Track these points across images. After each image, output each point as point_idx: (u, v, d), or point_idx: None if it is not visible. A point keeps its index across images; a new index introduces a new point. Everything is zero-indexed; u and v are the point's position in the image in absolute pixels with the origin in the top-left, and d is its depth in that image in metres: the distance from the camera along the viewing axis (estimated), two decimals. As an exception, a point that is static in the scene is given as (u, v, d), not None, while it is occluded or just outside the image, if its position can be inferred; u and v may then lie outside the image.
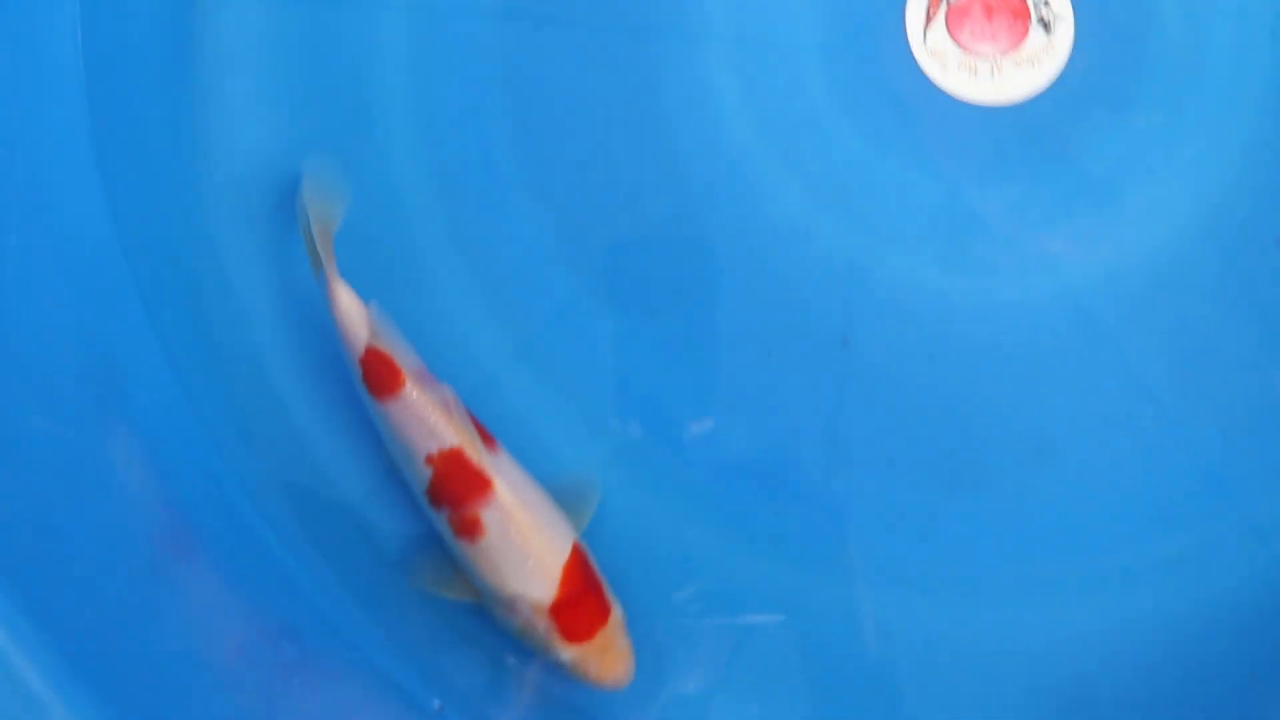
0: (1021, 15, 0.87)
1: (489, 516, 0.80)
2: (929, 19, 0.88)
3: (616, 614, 0.81)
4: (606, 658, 0.80)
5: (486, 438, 0.82)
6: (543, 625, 0.80)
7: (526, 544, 0.79)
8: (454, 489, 0.80)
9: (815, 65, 0.89)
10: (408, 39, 0.90)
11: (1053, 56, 0.87)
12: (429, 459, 0.80)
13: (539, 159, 0.89)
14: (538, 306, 0.89)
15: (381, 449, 0.84)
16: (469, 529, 0.80)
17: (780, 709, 0.85)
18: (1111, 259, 0.87)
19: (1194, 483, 0.85)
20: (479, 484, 0.80)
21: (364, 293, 0.83)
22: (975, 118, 0.88)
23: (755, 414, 0.87)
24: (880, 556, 0.86)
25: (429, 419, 0.80)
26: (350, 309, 0.82)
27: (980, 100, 0.88)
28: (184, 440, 0.86)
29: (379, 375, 0.81)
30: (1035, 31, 0.87)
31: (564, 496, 0.84)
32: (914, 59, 0.88)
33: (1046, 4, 0.87)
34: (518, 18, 0.89)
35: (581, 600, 0.80)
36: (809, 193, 0.88)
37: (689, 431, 0.87)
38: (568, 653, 0.80)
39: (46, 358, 0.80)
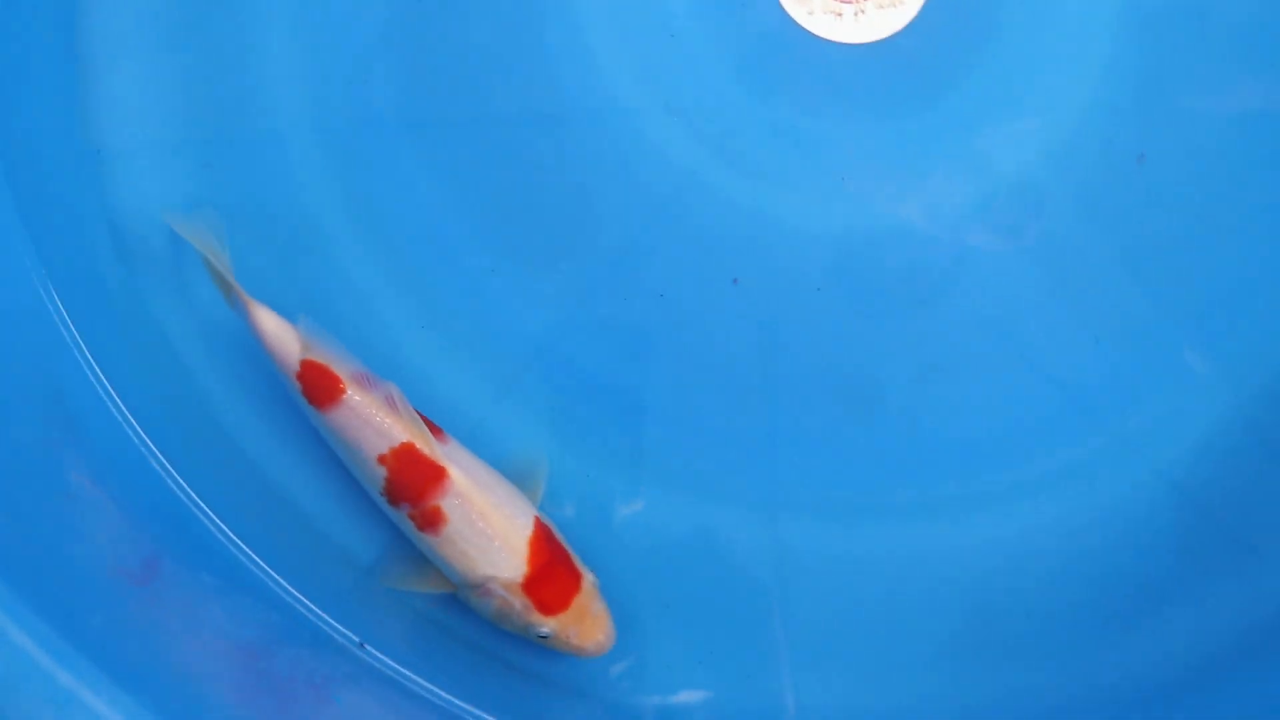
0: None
1: (449, 505, 0.80)
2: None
3: (588, 580, 0.81)
4: (585, 624, 0.80)
5: (434, 429, 0.82)
6: (519, 603, 0.80)
7: (490, 526, 0.80)
8: (410, 484, 0.80)
9: (689, 16, 0.91)
10: (288, 4, 0.91)
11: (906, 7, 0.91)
12: (381, 459, 0.80)
13: (426, 120, 0.91)
14: (436, 268, 0.90)
15: (334, 457, 0.85)
16: (431, 520, 0.80)
17: (693, 632, 0.87)
18: (981, 185, 0.90)
19: (1071, 398, 0.88)
20: (434, 475, 0.80)
21: (268, 269, 0.86)
22: (843, 57, 0.91)
23: (652, 355, 0.89)
24: (780, 482, 0.88)
25: (375, 420, 0.80)
26: (275, 329, 0.82)
27: (847, 40, 0.91)
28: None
29: (318, 386, 0.81)
30: None
31: (515, 474, 0.84)
32: (782, 8, 0.91)
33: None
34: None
35: (552, 572, 0.80)
36: (691, 138, 0.90)
37: (593, 379, 0.89)
38: (547, 625, 0.80)
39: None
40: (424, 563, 0.83)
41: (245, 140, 0.90)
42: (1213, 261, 0.89)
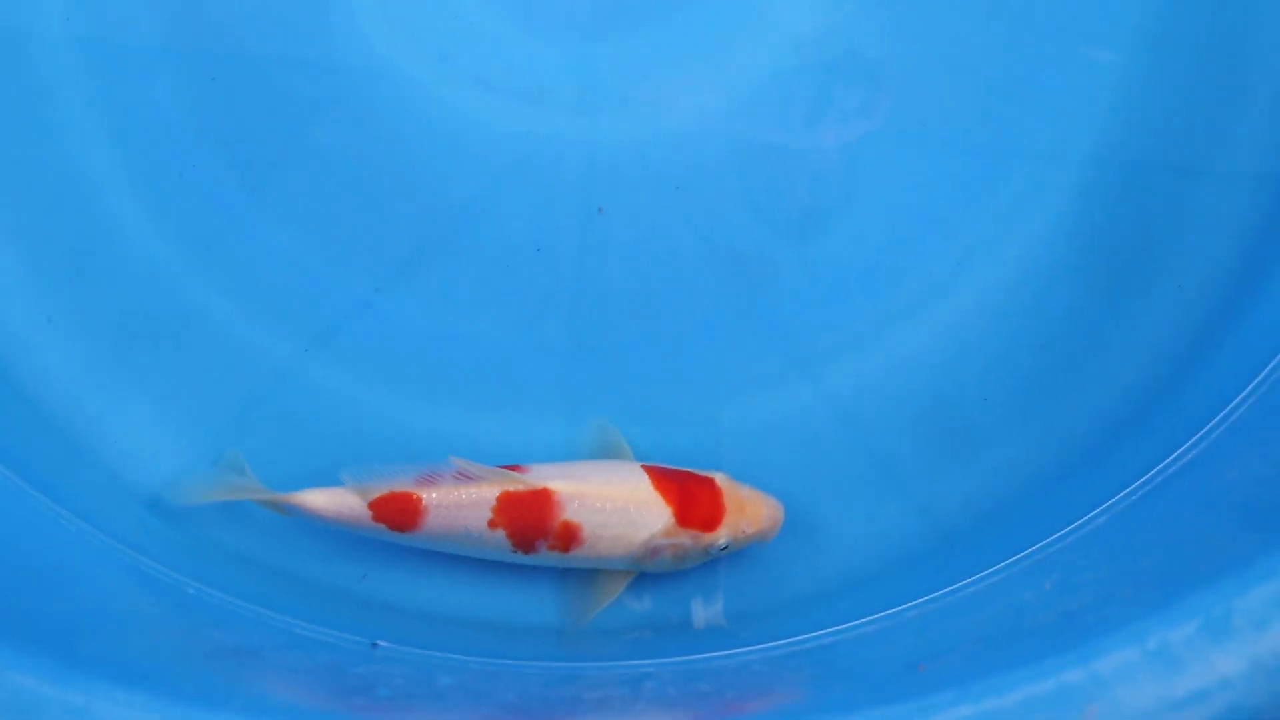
0: None
1: (574, 512, 0.80)
2: None
3: (720, 479, 0.82)
4: (748, 512, 0.81)
5: (509, 469, 0.81)
6: (686, 539, 0.80)
7: (615, 500, 0.80)
8: (531, 523, 0.80)
9: None
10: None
11: None
12: (491, 524, 0.80)
13: (209, 102, 0.93)
14: (240, 248, 0.91)
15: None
16: (571, 536, 0.80)
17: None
18: (736, 82, 0.94)
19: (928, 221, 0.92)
20: (542, 500, 0.80)
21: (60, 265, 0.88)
22: None
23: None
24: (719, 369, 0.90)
25: (464, 499, 0.80)
26: (333, 502, 0.81)
27: None
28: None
29: (398, 515, 0.80)
30: None
31: (596, 450, 0.86)
32: None
33: None
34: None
35: (690, 496, 0.80)
36: (463, 80, 0.94)
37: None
38: (721, 538, 0.80)
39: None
40: (594, 579, 0.83)
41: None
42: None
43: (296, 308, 0.91)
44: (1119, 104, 0.92)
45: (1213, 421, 0.80)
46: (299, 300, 0.91)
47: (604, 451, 0.86)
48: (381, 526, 0.81)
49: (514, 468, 0.81)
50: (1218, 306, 0.88)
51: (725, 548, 0.81)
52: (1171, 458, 0.80)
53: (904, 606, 0.80)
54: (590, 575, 0.83)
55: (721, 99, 0.93)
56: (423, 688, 0.71)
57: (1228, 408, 0.80)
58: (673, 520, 0.80)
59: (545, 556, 0.81)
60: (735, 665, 0.79)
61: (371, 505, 0.80)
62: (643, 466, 0.82)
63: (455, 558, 0.84)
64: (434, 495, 0.80)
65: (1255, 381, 0.81)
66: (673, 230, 0.92)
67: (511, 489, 0.80)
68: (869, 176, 0.92)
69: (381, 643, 0.79)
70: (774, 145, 0.93)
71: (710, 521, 0.80)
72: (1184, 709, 0.53)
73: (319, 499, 0.81)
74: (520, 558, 0.81)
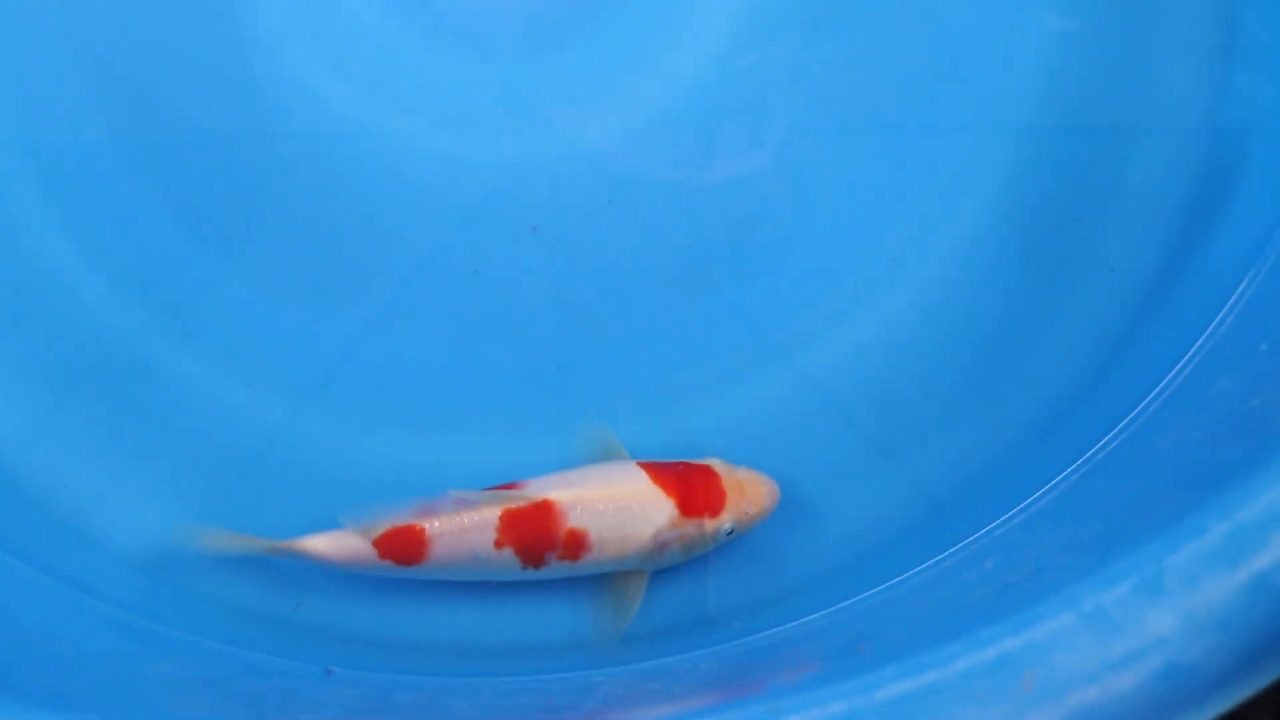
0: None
1: (577, 519, 0.79)
2: None
3: (716, 464, 0.82)
4: (748, 494, 0.81)
5: (505, 487, 0.81)
6: (691, 529, 0.80)
7: (617, 500, 0.79)
8: (536, 536, 0.79)
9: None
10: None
11: None
12: (498, 544, 0.79)
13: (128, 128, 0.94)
14: (155, 265, 0.92)
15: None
16: (579, 543, 0.80)
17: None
18: (662, 94, 0.95)
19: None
20: (544, 511, 0.79)
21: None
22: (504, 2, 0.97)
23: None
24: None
25: (465, 524, 0.79)
26: (336, 545, 0.81)
27: None
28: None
29: (402, 549, 0.80)
30: None
31: (589, 455, 0.85)
32: None
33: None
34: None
35: (690, 485, 0.80)
36: (364, 93, 0.95)
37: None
38: (725, 523, 0.80)
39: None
40: (614, 588, 0.83)
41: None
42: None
43: (251, 357, 0.91)
44: (1050, 69, 0.94)
45: (1150, 395, 0.81)
46: (255, 350, 0.91)
47: (600, 455, 0.85)
48: (388, 563, 0.80)
49: (509, 485, 0.81)
50: (1149, 284, 0.89)
51: (731, 532, 0.81)
52: (1112, 434, 0.80)
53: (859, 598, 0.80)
54: (608, 585, 0.83)
55: (649, 111, 0.94)
56: (375, 704, 0.71)
57: (1164, 380, 0.81)
58: (676, 511, 0.80)
59: (555, 568, 0.81)
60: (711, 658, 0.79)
61: (376, 543, 0.80)
62: (638, 464, 0.82)
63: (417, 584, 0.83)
64: (436, 524, 0.79)
65: (1190, 352, 0.82)
66: (609, 243, 0.92)
67: (513, 506, 0.79)
68: (805, 174, 0.93)
69: (335, 669, 0.79)
70: (705, 152, 0.94)
71: (713, 507, 0.80)
72: (1121, 669, 0.54)
73: (322, 544, 0.81)
74: (531, 574, 0.81)
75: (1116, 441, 0.80)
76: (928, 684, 0.54)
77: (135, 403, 0.89)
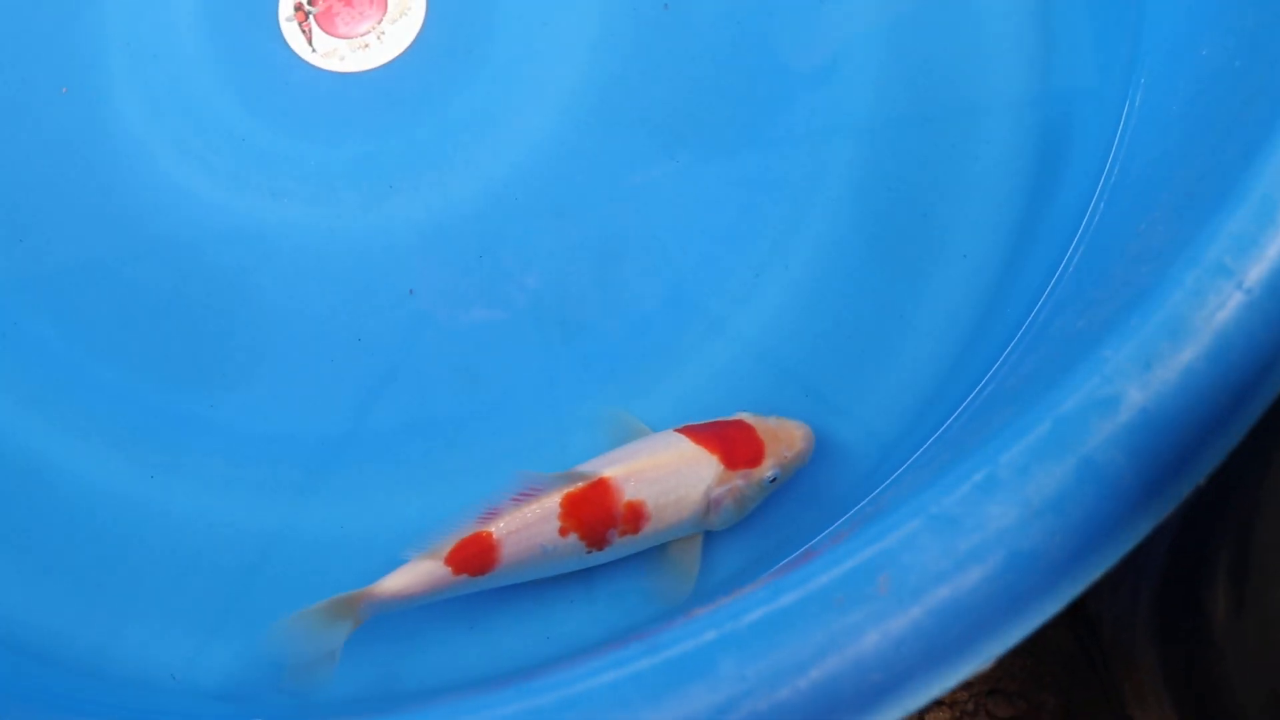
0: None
1: (633, 490, 0.80)
2: (307, 36, 1.02)
3: (745, 417, 0.84)
4: (783, 438, 0.83)
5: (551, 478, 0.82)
6: (739, 481, 0.81)
7: (666, 466, 0.81)
8: (598, 515, 0.81)
9: (216, 83, 1.02)
10: None
11: (414, 21, 1.02)
12: (562, 531, 0.80)
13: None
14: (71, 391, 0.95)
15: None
16: (637, 515, 0.81)
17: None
18: (517, 149, 0.99)
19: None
20: (600, 490, 0.81)
21: None
22: (354, 85, 1.02)
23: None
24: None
25: (531, 518, 0.81)
26: (414, 576, 0.80)
27: (362, 69, 1.02)
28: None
29: (475, 560, 0.80)
30: (394, 5, 1.02)
31: (622, 435, 0.86)
32: (309, 63, 1.02)
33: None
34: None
35: (729, 439, 0.83)
36: (232, 183, 0.99)
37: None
38: (768, 470, 0.82)
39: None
40: (670, 557, 0.84)
41: None
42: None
43: (146, 446, 0.93)
44: (877, 71, 0.99)
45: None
46: (150, 438, 0.94)
47: (626, 435, 0.87)
48: (464, 577, 0.81)
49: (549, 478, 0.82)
50: (999, 268, 0.93)
51: (774, 479, 0.83)
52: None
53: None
54: (665, 555, 0.85)
55: (507, 168, 0.99)
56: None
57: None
58: (721, 467, 0.82)
59: (618, 546, 0.82)
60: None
61: (448, 561, 0.80)
62: (675, 430, 0.84)
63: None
64: (502, 526, 0.80)
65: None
66: (485, 296, 0.96)
67: (572, 490, 0.81)
68: (661, 204, 0.97)
69: None
70: (565, 199, 0.98)
71: (755, 457, 0.82)
72: (968, 564, 0.56)
73: (398, 581, 0.81)
74: (595, 557, 0.82)
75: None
76: (792, 603, 0.57)
77: (13, 496, 0.92)
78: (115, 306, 0.96)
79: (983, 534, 0.57)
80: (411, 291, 0.96)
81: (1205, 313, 0.60)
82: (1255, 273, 0.60)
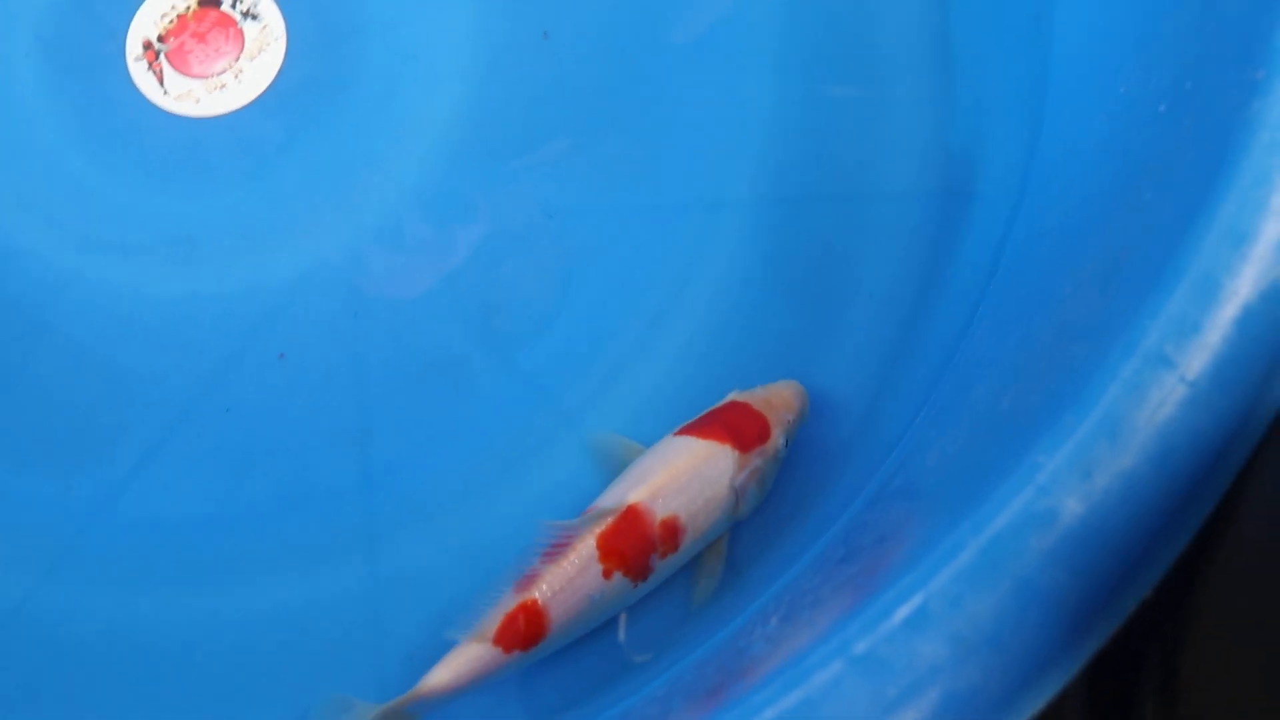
0: (228, 24, 0.94)
1: (664, 508, 0.77)
2: (158, 77, 0.94)
3: (735, 396, 0.82)
4: (779, 404, 0.81)
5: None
6: (756, 460, 0.79)
7: (686, 472, 0.78)
8: (636, 545, 0.77)
9: (60, 132, 0.94)
10: None
11: (274, 58, 0.94)
12: (606, 574, 0.76)
13: None
14: None
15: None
16: (675, 531, 0.78)
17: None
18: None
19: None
20: (635, 517, 0.77)
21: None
22: (212, 130, 0.94)
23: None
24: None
25: (571, 570, 0.75)
26: (463, 663, 0.75)
27: (219, 111, 0.94)
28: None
29: (528, 630, 0.75)
30: (251, 41, 0.94)
31: (619, 458, 0.83)
32: (161, 108, 0.94)
33: (254, 16, 0.94)
34: None
35: (737, 424, 0.80)
36: (81, 242, 0.92)
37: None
38: (779, 439, 0.80)
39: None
40: (704, 562, 0.81)
41: None
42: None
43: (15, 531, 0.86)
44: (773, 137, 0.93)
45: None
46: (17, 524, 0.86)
47: (623, 458, 0.83)
48: (515, 653, 0.75)
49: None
50: (906, 309, 0.88)
51: (786, 445, 0.81)
52: (888, 459, 0.79)
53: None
54: (699, 564, 0.82)
55: (379, 211, 0.92)
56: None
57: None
58: (737, 453, 0.79)
59: (662, 569, 0.78)
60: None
61: (496, 640, 0.75)
62: (676, 433, 0.81)
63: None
64: (545, 588, 0.75)
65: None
66: (361, 356, 0.89)
67: (603, 528, 0.76)
68: (546, 249, 0.91)
69: None
70: (441, 242, 0.91)
71: (763, 433, 0.80)
72: (899, 711, 0.51)
73: (449, 670, 0.75)
74: (642, 589, 0.78)
75: (893, 465, 0.78)
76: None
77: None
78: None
79: (913, 675, 0.51)
80: (282, 355, 0.88)
81: (1147, 411, 0.54)
82: (1198, 362, 0.55)
